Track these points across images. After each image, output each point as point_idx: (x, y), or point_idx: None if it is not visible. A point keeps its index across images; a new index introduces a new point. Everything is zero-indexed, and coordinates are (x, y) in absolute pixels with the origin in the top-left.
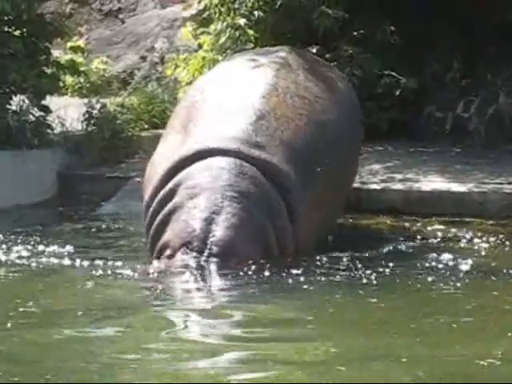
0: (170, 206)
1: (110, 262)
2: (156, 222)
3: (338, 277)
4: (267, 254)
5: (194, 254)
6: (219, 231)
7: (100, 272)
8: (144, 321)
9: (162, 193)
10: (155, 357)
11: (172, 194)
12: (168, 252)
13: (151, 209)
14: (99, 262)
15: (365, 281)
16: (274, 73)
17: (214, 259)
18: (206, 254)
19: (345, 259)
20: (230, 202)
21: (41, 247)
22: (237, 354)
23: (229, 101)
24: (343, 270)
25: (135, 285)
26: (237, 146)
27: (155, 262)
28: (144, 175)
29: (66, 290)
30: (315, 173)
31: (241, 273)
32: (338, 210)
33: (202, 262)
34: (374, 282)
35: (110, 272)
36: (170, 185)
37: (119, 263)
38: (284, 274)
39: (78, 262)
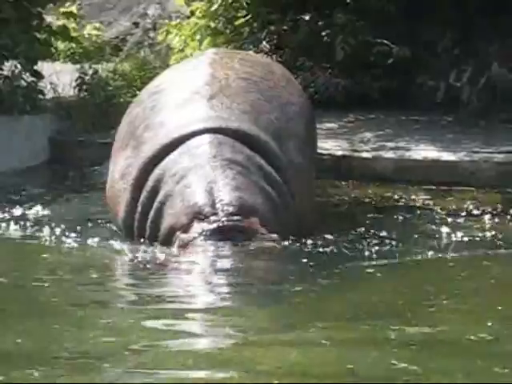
0: (159, 198)
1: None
2: (149, 220)
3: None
4: (276, 212)
5: (209, 219)
6: (224, 194)
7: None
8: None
9: (144, 194)
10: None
11: (156, 190)
12: (179, 233)
13: (137, 215)
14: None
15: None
16: (207, 66)
17: (230, 221)
18: (220, 216)
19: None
20: (222, 169)
21: (31, 213)
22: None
23: (175, 97)
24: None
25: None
26: (200, 125)
27: (174, 249)
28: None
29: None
30: (286, 141)
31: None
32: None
33: (220, 225)
34: (367, 255)
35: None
36: (149, 183)
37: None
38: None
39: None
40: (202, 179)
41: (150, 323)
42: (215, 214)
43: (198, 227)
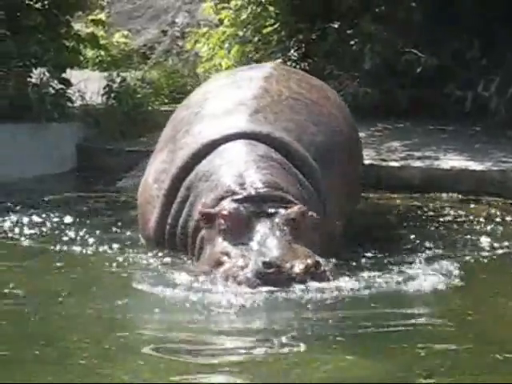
0: (189, 201)
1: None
2: (179, 227)
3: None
4: (305, 197)
5: (237, 193)
6: (255, 176)
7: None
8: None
9: (175, 205)
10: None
11: (187, 198)
12: (207, 216)
13: (168, 226)
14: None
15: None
16: (263, 80)
17: (259, 191)
18: (250, 193)
19: (365, 242)
20: (254, 163)
21: (58, 220)
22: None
23: (220, 106)
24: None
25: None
26: (234, 130)
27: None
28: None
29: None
30: (326, 163)
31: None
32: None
33: (246, 194)
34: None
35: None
36: (181, 193)
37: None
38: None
39: (95, 241)
40: (233, 170)
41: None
42: (244, 189)
43: (226, 201)
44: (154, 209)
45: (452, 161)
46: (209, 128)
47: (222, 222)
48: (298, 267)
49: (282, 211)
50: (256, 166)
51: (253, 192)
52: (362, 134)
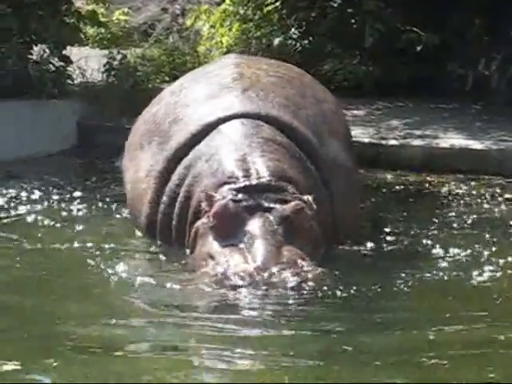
0: (187, 182)
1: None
2: (176, 210)
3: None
4: (313, 186)
5: (239, 181)
6: (260, 162)
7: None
8: None
9: (170, 186)
10: None
11: (184, 178)
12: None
13: (161, 207)
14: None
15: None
16: (234, 66)
17: (262, 181)
18: (252, 178)
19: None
20: (259, 145)
21: (57, 197)
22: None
23: (201, 93)
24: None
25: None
26: (234, 110)
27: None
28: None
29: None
30: (327, 139)
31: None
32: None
33: (248, 183)
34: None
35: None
36: (177, 172)
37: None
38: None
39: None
40: (235, 152)
41: None
42: (247, 176)
43: (226, 188)
44: (146, 199)
45: (452, 139)
46: (201, 110)
47: (212, 219)
48: (277, 277)
49: (277, 207)
50: (261, 149)
51: (254, 182)
52: (361, 113)
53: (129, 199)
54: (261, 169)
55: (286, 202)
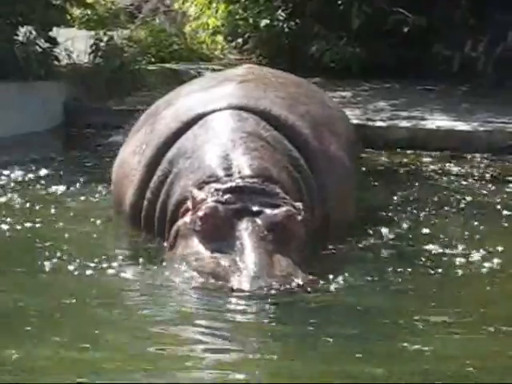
0: (169, 179)
1: None
2: (158, 207)
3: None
4: (298, 184)
5: (222, 180)
6: (242, 160)
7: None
8: None
9: (155, 178)
10: None
11: (168, 172)
12: (189, 204)
13: (145, 201)
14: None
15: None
16: (247, 67)
17: (247, 182)
18: (234, 178)
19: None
20: (243, 141)
21: (45, 176)
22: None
23: (198, 86)
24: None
25: None
26: (223, 102)
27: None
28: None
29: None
30: (324, 133)
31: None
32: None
33: (233, 185)
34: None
35: None
36: (162, 165)
37: None
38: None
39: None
40: (218, 148)
41: None
42: (230, 175)
43: (209, 188)
44: (131, 183)
45: (438, 121)
46: (193, 99)
47: (199, 222)
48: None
49: (267, 211)
50: (245, 146)
51: (240, 183)
52: (348, 94)
53: (114, 178)
54: (243, 168)
55: (275, 206)
